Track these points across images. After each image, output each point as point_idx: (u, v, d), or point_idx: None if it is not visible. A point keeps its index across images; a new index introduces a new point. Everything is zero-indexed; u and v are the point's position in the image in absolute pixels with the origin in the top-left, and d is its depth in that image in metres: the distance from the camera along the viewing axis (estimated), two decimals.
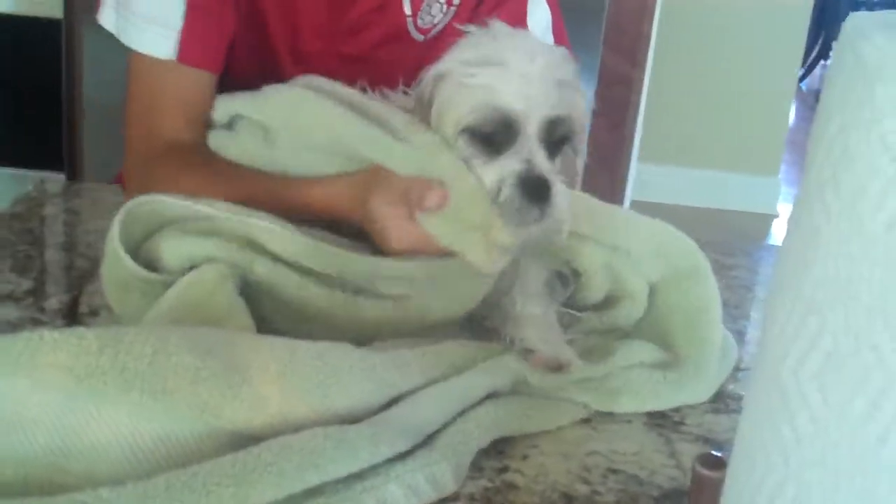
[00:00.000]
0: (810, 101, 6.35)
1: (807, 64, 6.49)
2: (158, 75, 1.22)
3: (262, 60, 1.29)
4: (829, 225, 0.46)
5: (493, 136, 0.91)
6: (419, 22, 1.32)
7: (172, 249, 0.93)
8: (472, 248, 0.94)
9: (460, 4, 1.33)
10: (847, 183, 0.45)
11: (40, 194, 1.31)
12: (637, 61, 2.46)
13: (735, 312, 1.15)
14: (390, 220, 0.96)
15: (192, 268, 0.93)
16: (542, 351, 0.92)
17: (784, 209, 4.36)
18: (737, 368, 1.01)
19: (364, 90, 1.11)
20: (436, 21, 1.33)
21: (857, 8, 6.28)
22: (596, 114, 2.30)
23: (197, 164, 1.15)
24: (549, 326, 0.96)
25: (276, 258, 0.94)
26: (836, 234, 0.46)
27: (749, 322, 1.15)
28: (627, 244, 0.99)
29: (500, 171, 0.91)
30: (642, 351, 0.94)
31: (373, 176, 0.99)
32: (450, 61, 0.95)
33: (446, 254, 0.95)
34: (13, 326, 0.95)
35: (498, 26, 0.98)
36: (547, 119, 0.91)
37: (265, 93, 1.10)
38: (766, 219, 4.33)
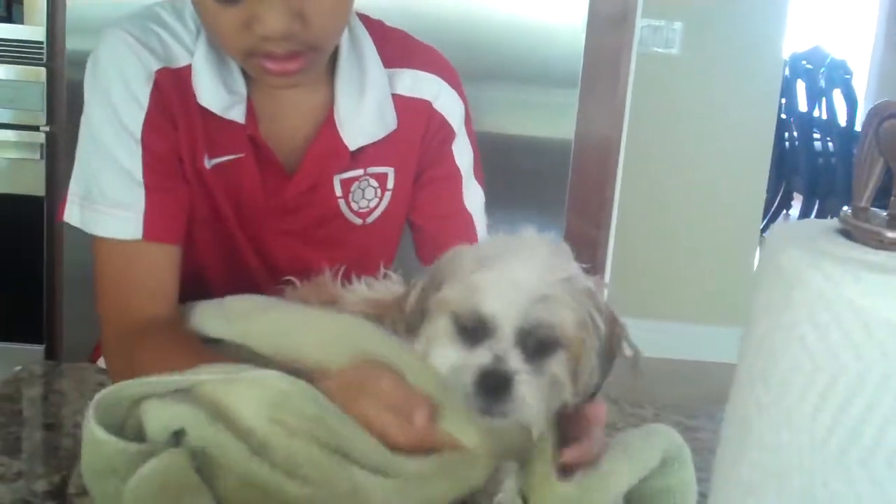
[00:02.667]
0: None
1: (769, 214, 6.63)
2: (126, 256, 1.28)
3: (217, 232, 1.36)
4: (760, 416, 0.52)
5: (474, 330, 0.95)
6: (353, 205, 1.39)
7: (154, 418, 0.96)
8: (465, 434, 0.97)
9: (395, 188, 1.40)
10: (774, 378, 0.51)
11: (27, 375, 1.35)
12: (601, 223, 2.55)
13: (700, 475, 1.19)
14: (389, 427, 0.98)
15: (175, 434, 0.96)
16: None
17: None
18: None
19: (341, 275, 1.18)
20: (372, 205, 1.40)
21: (814, 159, 6.47)
22: None
23: (177, 341, 1.20)
24: None
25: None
26: (766, 424, 0.52)
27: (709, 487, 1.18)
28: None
29: (469, 361, 0.95)
30: None
31: (361, 380, 1.02)
32: (462, 255, 1.00)
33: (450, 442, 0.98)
34: None
35: (512, 237, 1.01)
36: (522, 326, 0.94)
37: (246, 315, 1.16)
38: (733, 369, 4.37)
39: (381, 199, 1.41)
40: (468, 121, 1.48)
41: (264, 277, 1.36)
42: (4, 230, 2.60)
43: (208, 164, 1.31)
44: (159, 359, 1.14)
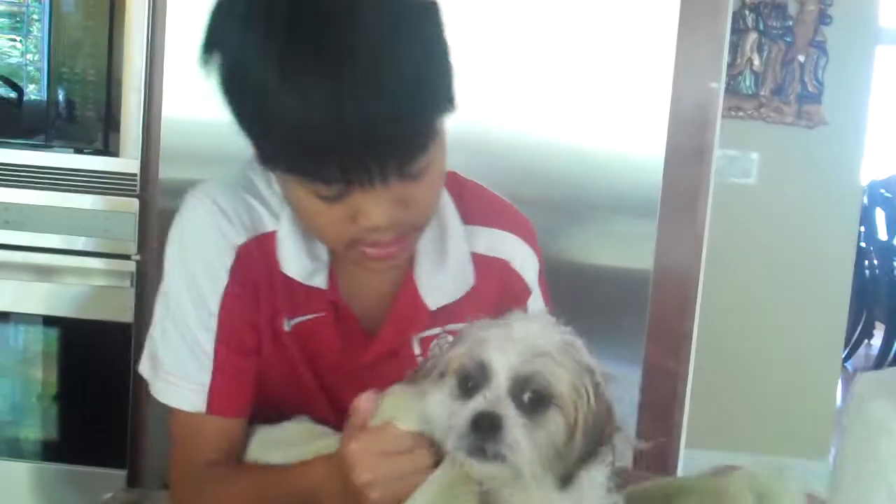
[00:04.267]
0: None
1: (850, 344, 6.52)
2: (190, 423, 1.33)
3: (291, 385, 1.38)
4: None
5: (472, 381, 1.02)
6: None
7: None
8: None
9: None
10: None
11: (118, 502, 1.38)
12: (681, 356, 2.54)
13: None
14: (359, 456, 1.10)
15: None
16: None
17: None
18: None
19: None
20: None
21: (895, 288, 6.38)
22: (641, 407, 2.37)
23: (238, 470, 1.32)
24: None
25: None
26: None
27: None
28: None
29: (464, 409, 1.01)
30: None
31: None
32: (477, 322, 1.09)
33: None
34: None
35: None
36: (517, 376, 1.00)
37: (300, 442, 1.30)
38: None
39: None
40: (542, 275, 1.50)
41: (335, 423, 1.36)
42: (93, 355, 2.66)
43: (287, 326, 1.33)
44: (221, 486, 1.29)
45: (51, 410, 2.68)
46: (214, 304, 1.30)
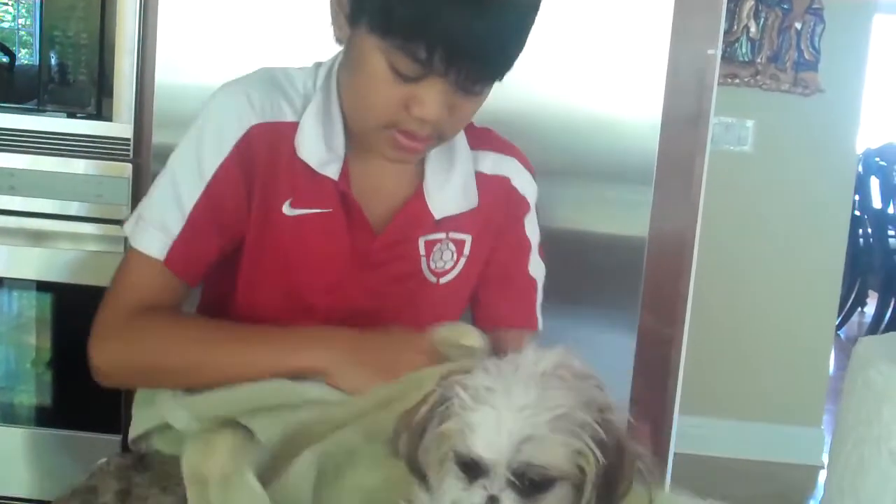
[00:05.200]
0: (849, 350, 6.36)
1: (843, 312, 6.54)
2: (143, 271, 1.41)
3: (280, 277, 1.46)
4: None
5: (471, 466, 0.98)
6: (432, 265, 1.52)
7: None
8: None
9: (471, 254, 1.54)
10: (864, 491, 0.51)
11: (111, 467, 1.37)
12: (675, 321, 2.53)
13: None
14: None
15: None
16: None
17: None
18: None
19: None
20: (448, 266, 1.53)
21: (889, 255, 6.39)
22: (636, 373, 2.38)
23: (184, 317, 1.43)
24: None
25: None
26: None
27: None
28: None
29: (465, 499, 0.98)
30: None
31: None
32: (462, 386, 1.01)
33: None
34: None
35: (507, 364, 1.03)
36: (511, 467, 0.95)
37: None
38: (812, 470, 4.29)
39: (456, 263, 1.54)
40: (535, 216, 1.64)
41: (332, 320, 1.45)
42: (87, 320, 2.65)
43: (289, 211, 1.43)
44: (167, 326, 1.38)
45: (45, 376, 2.67)
46: (210, 169, 1.39)
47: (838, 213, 4.31)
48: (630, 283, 2.48)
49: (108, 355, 1.40)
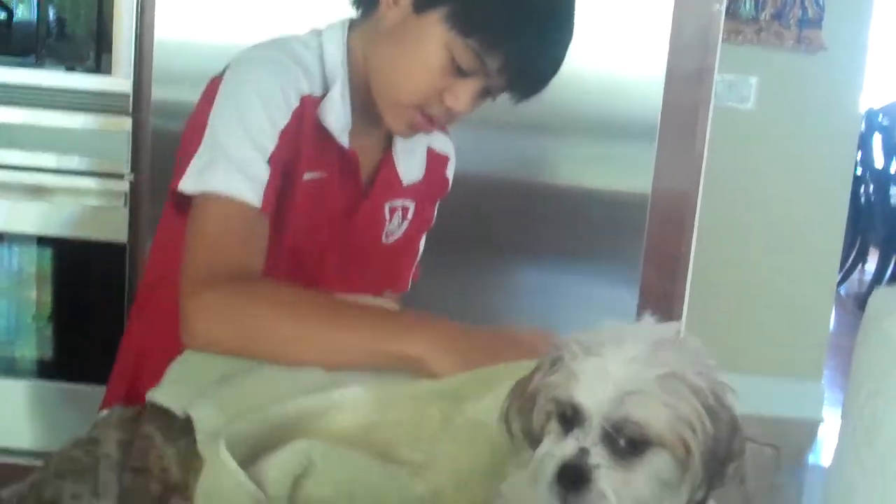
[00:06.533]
0: (850, 306, 6.38)
1: (844, 269, 6.54)
2: (239, 216, 1.38)
3: (284, 251, 1.51)
4: (865, 478, 0.52)
5: (569, 418, 0.94)
6: (389, 227, 1.67)
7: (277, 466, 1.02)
8: None
9: (412, 219, 1.71)
10: (879, 443, 0.51)
11: (115, 418, 1.37)
12: (677, 277, 2.53)
13: None
14: None
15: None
16: None
17: (828, 414, 4.34)
18: None
19: None
20: (395, 230, 1.69)
21: (890, 213, 6.38)
22: None
23: (269, 293, 1.36)
24: None
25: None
26: (871, 486, 0.51)
27: None
28: None
29: (555, 451, 0.94)
30: None
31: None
32: (569, 339, 0.97)
33: None
34: None
35: (626, 325, 0.99)
36: (609, 420, 0.91)
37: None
38: (812, 425, 4.30)
39: (401, 226, 1.70)
40: None
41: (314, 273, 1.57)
42: (87, 275, 2.65)
43: (306, 176, 1.50)
44: (272, 298, 1.33)
45: (46, 330, 2.67)
46: (280, 125, 1.42)
47: (841, 171, 4.30)
48: (632, 240, 2.48)
49: (208, 323, 1.32)
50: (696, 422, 0.92)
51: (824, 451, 4.18)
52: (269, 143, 1.41)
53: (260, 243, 1.40)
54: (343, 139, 1.52)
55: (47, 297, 2.67)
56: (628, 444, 0.91)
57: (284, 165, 1.44)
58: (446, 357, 1.21)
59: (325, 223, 1.57)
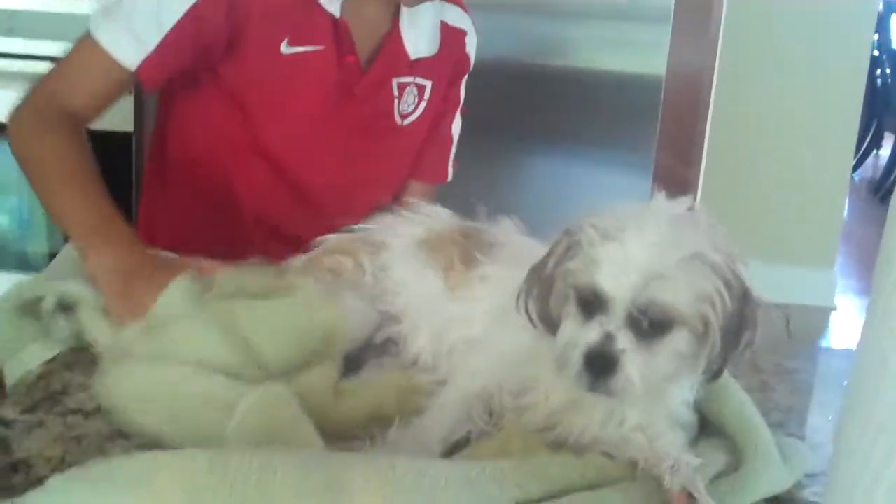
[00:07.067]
0: (863, 193, 6.33)
1: (858, 154, 6.47)
2: (103, 70, 1.42)
3: (276, 112, 1.52)
4: None
5: (591, 304, 0.94)
6: (401, 107, 1.61)
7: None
8: None
9: (430, 100, 1.64)
10: None
11: None
12: (691, 161, 2.51)
13: (800, 418, 1.18)
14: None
15: None
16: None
17: (841, 301, 4.34)
18: (806, 474, 1.02)
19: None
20: (411, 109, 1.63)
21: None
22: None
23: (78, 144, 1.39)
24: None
25: None
26: None
27: (814, 426, 1.17)
28: None
29: (580, 338, 0.94)
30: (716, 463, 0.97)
31: None
32: (589, 225, 0.96)
33: None
34: None
35: (637, 206, 0.99)
36: (634, 305, 0.91)
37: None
38: (824, 311, 4.29)
39: (417, 106, 1.64)
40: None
41: (313, 162, 1.57)
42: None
43: (288, 49, 1.46)
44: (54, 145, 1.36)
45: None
46: None
47: (857, 52, 4.21)
48: (646, 124, 2.45)
49: (13, 137, 1.40)
50: (717, 298, 0.93)
51: (836, 338, 4.19)
52: (173, 13, 1.39)
53: (107, 96, 1.44)
54: (331, 7, 1.47)
55: None
56: (651, 325, 0.92)
57: (228, 39, 1.44)
58: (108, 278, 1.18)
59: (319, 99, 1.54)
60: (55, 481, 0.76)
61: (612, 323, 0.92)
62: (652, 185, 2.40)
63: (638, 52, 2.46)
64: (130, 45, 1.40)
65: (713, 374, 0.96)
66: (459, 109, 1.77)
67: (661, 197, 0.99)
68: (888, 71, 6.43)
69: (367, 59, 1.56)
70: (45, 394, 1.05)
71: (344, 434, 0.98)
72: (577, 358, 0.93)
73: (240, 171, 1.55)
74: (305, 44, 1.48)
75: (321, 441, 0.93)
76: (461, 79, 1.74)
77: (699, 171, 2.56)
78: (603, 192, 2.43)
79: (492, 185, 2.49)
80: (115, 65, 1.40)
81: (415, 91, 1.62)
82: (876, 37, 5.65)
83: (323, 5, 1.46)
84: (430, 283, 1.17)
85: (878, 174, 6.61)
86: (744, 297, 0.95)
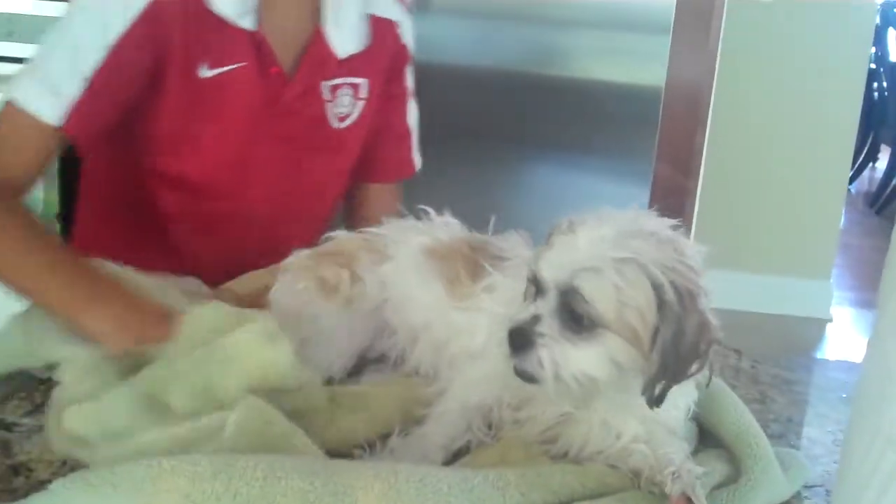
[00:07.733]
0: (860, 205, 6.34)
1: (855, 166, 6.48)
2: (28, 133, 1.35)
3: (207, 136, 1.48)
4: None
5: (536, 289, 0.98)
6: (335, 110, 1.56)
7: None
8: None
9: (367, 98, 1.59)
10: None
11: None
12: (690, 172, 2.51)
13: (800, 429, 1.18)
14: None
15: None
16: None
17: (836, 313, 4.34)
18: (805, 486, 1.03)
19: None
20: (346, 111, 1.58)
21: None
22: None
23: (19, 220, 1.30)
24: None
25: None
26: None
27: (812, 439, 1.17)
28: None
29: (516, 314, 0.98)
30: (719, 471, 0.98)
31: None
32: (563, 219, 1.00)
33: None
34: None
35: (606, 212, 1.01)
36: (562, 291, 0.95)
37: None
38: (820, 323, 4.31)
39: (354, 107, 1.58)
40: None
41: (246, 182, 1.53)
42: None
43: (208, 73, 1.43)
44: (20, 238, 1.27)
45: (54, 228, 2.66)
46: (115, 33, 1.35)
47: (855, 65, 4.23)
48: (645, 134, 2.45)
49: None
50: (648, 312, 0.93)
51: (831, 349, 4.19)
52: (91, 61, 1.34)
53: (40, 159, 1.36)
54: (244, 22, 1.43)
55: (54, 196, 2.66)
56: (579, 320, 0.94)
57: (146, 67, 1.39)
58: (118, 335, 1.15)
59: (248, 117, 1.49)
60: (58, 485, 0.77)
61: (545, 308, 0.96)
62: (650, 195, 2.41)
63: (637, 62, 2.47)
64: (49, 99, 1.34)
65: (651, 399, 0.95)
66: (412, 97, 1.72)
67: (648, 212, 1.01)
68: (885, 84, 6.44)
69: (292, 67, 1.51)
70: (47, 397, 1.05)
71: (345, 452, 0.98)
72: (504, 332, 0.97)
73: (170, 205, 1.52)
74: (227, 63, 1.44)
75: (319, 450, 0.93)
76: (403, 69, 1.69)
77: (697, 181, 2.56)
78: (602, 202, 2.41)
79: (491, 194, 2.49)
80: (37, 124, 1.34)
81: (349, 91, 1.57)
82: (873, 50, 5.67)
83: (236, 23, 1.43)
84: (432, 293, 1.17)
85: (875, 186, 6.62)
86: (699, 329, 0.94)
